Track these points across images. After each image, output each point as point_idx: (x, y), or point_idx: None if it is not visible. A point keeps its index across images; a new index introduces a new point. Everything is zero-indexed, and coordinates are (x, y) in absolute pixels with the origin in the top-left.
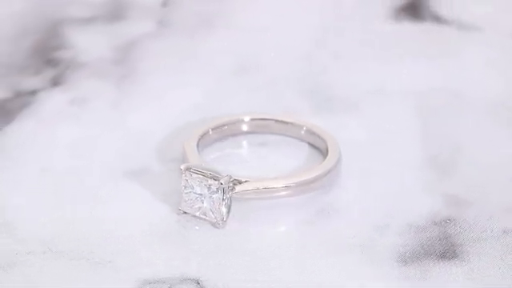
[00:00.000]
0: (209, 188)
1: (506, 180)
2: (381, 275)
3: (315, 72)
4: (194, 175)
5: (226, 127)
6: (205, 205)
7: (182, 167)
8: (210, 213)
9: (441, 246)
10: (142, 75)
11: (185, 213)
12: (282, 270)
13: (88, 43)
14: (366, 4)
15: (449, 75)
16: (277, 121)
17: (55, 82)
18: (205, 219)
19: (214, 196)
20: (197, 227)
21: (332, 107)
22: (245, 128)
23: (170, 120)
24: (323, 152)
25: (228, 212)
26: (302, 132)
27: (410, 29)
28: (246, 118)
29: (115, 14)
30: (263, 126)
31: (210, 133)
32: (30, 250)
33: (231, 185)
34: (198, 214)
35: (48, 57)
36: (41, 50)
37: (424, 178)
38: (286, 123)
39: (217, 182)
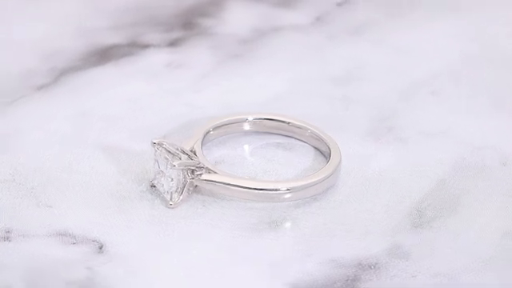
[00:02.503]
0: (166, 167)
1: None
2: None
3: None
4: (162, 151)
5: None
6: (162, 182)
7: (155, 141)
8: (166, 191)
9: None
10: (252, 63)
11: (154, 186)
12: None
13: (235, 20)
14: None
15: None
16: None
17: (171, 44)
18: (164, 196)
19: (169, 176)
20: (144, 201)
21: None
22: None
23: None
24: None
25: (180, 195)
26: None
27: None
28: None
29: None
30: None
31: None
32: None
33: (193, 170)
34: (161, 189)
35: (189, 20)
36: (188, 11)
37: None
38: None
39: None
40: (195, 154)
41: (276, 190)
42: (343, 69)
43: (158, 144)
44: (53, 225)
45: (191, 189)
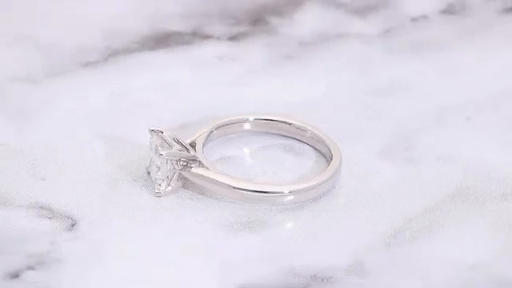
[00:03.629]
0: (158, 155)
1: None
2: None
3: None
4: (158, 139)
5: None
6: (153, 169)
7: (153, 128)
8: (155, 180)
9: None
10: (302, 66)
11: (149, 173)
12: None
13: (305, 22)
14: None
15: None
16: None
17: (232, 39)
18: (153, 184)
19: (156, 164)
20: (136, 188)
21: None
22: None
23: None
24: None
25: (168, 185)
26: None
27: None
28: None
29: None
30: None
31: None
32: None
33: (187, 163)
34: (152, 177)
35: (260, 17)
36: (262, 8)
37: None
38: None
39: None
40: (193, 148)
41: (264, 192)
42: (389, 82)
43: (156, 132)
44: (37, 197)
45: (181, 181)
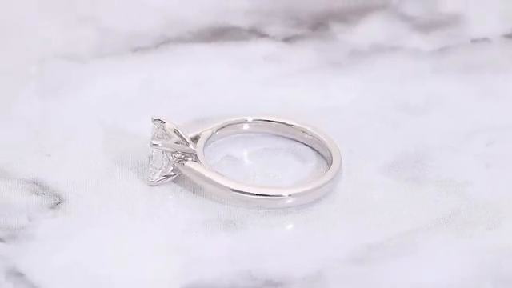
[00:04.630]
0: (151, 145)
1: None
2: None
3: None
4: (158, 129)
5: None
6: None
7: (156, 117)
8: (151, 168)
9: None
10: (345, 74)
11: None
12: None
13: (365, 32)
14: None
15: None
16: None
17: (286, 40)
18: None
19: (153, 154)
20: (134, 174)
21: None
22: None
23: None
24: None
25: (162, 175)
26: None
27: None
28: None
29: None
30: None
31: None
32: None
33: (178, 155)
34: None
35: (323, 21)
36: (328, 13)
37: None
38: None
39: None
40: (195, 143)
41: (247, 193)
42: (423, 100)
43: (159, 121)
44: (36, 173)
45: (177, 173)
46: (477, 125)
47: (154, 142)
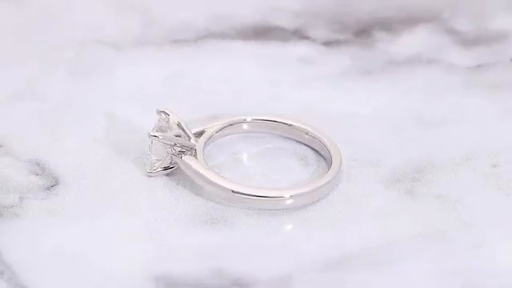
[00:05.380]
0: (149, 136)
1: None
2: None
3: None
4: (162, 121)
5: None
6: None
7: (161, 109)
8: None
9: None
10: (371, 82)
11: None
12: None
13: (406, 42)
14: None
15: None
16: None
17: (326, 44)
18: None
19: (153, 145)
20: (135, 163)
21: None
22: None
23: None
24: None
25: (160, 167)
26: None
27: None
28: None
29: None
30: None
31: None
32: None
33: (178, 148)
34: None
35: (367, 28)
36: (375, 21)
37: None
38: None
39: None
40: (196, 137)
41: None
42: (444, 115)
43: (164, 113)
44: (40, 153)
45: (174, 166)
46: (489, 144)
47: (153, 134)
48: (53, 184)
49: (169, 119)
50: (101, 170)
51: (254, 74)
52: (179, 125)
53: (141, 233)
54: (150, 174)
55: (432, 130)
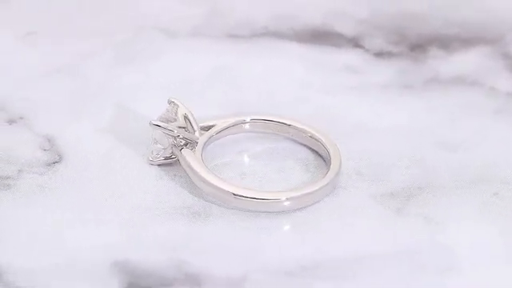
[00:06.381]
0: (150, 124)
1: None
2: None
3: None
4: (170, 110)
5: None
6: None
7: (173, 99)
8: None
9: None
10: (409, 97)
11: None
12: None
13: (456, 62)
14: None
15: None
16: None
17: (377, 54)
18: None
19: (158, 135)
20: (139, 151)
21: None
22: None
23: None
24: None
25: (162, 156)
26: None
27: None
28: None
29: None
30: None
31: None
32: None
33: (180, 140)
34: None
35: (423, 44)
36: (433, 38)
37: None
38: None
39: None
40: (199, 130)
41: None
42: (463, 139)
43: (174, 103)
44: (55, 129)
45: (175, 157)
46: (500, 172)
47: (154, 122)
48: (55, 161)
49: (177, 110)
50: (107, 156)
51: (297, 76)
52: (186, 117)
53: (118, 218)
54: (151, 162)
55: (447, 152)
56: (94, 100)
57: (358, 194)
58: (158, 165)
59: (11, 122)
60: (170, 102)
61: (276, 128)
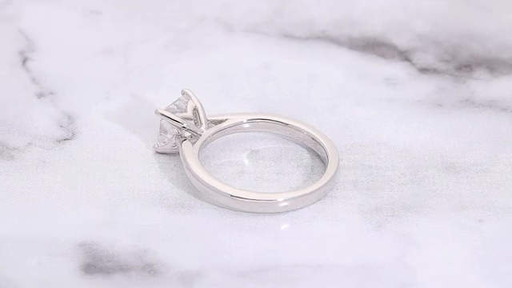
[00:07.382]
0: (155, 112)
1: None
2: None
3: None
4: (181, 101)
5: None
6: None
7: (186, 90)
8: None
9: None
10: (438, 118)
11: None
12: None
13: (497, 88)
14: None
15: None
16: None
17: (422, 70)
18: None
19: (165, 123)
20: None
21: None
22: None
23: None
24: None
25: (167, 144)
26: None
27: None
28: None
29: None
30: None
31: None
32: None
33: (186, 132)
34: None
35: (470, 64)
36: (485, 60)
37: None
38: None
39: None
40: (206, 124)
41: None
42: (471, 163)
43: (186, 95)
44: (79, 107)
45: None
46: (496, 201)
47: (160, 111)
48: (66, 138)
49: (188, 102)
50: (117, 140)
51: (335, 82)
52: (196, 109)
53: (100, 201)
54: (156, 150)
55: (450, 174)
56: (128, 84)
57: (346, 203)
58: (162, 153)
59: (40, 95)
60: (183, 93)
61: (284, 130)
